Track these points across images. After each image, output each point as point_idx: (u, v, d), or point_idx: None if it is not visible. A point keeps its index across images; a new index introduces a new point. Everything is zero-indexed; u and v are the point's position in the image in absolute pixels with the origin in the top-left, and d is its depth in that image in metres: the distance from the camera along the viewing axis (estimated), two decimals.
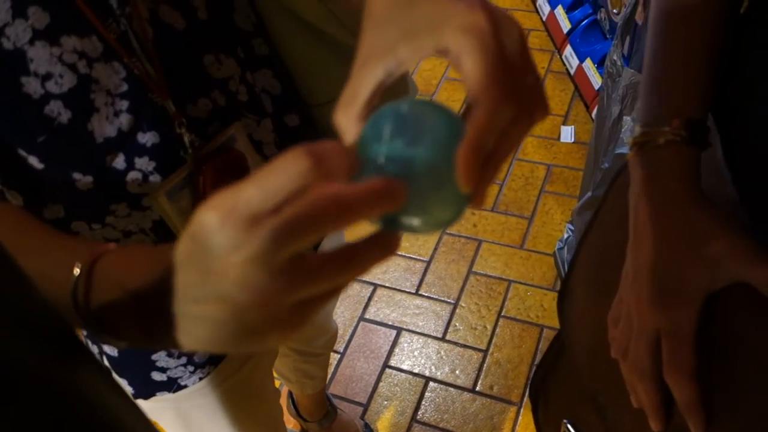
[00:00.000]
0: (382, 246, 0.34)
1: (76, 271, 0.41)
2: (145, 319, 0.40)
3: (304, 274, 0.32)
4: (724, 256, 0.53)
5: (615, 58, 1.60)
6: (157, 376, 0.73)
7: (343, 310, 1.82)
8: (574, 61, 2.25)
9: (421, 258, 1.93)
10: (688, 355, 0.54)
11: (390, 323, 1.80)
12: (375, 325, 1.80)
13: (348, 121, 0.37)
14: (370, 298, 1.85)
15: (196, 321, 0.36)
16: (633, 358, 0.57)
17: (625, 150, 1.42)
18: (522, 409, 1.60)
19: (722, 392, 0.55)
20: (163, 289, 0.37)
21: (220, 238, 0.32)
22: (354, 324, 1.80)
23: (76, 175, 0.55)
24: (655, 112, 0.60)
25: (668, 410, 0.60)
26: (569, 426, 0.77)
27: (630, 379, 0.59)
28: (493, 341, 1.73)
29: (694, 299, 0.54)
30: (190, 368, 0.74)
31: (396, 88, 0.44)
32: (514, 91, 0.35)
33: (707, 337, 0.55)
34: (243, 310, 0.33)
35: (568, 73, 2.33)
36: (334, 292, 0.36)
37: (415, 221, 0.35)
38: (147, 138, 0.56)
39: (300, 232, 0.31)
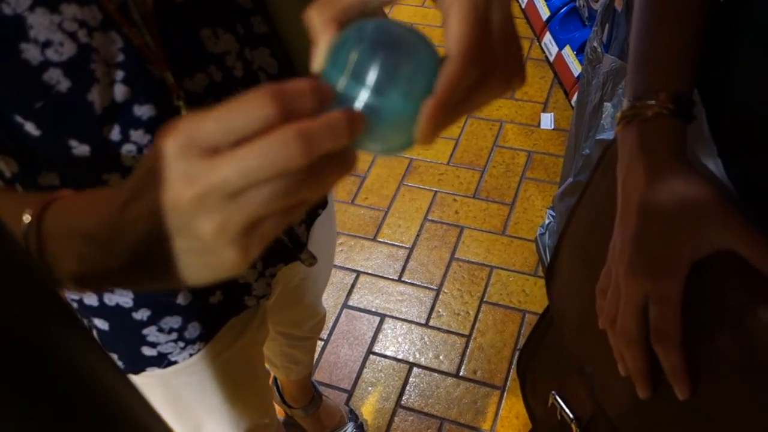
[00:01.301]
0: (337, 163, 0.35)
1: (26, 218, 0.41)
2: (100, 262, 0.40)
3: (261, 197, 0.33)
4: (710, 225, 0.54)
5: (595, 44, 1.62)
6: (147, 351, 0.73)
7: (327, 297, 1.82)
8: (554, 49, 2.27)
9: (404, 245, 1.93)
10: (675, 323, 0.55)
11: (373, 310, 1.80)
12: (358, 312, 1.80)
13: (321, 21, 0.37)
14: (353, 285, 1.85)
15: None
16: (621, 326, 0.59)
17: (605, 136, 1.44)
18: (505, 393, 1.62)
19: (708, 360, 0.56)
20: (118, 228, 0.37)
21: (177, 167, 0.33)
22: (337, 311, 1.80)
23: (73, 144, 0.54)
24: (643, 86, 0.61)
25: (655, 377, 0.61)
26: (557, 397, 0.78)
27: (618, 347, 0.60)
28: (476, 326, 1.75)
29: (680, 268, 0.55)
30: (181, 344, 0.73)
31: None
32: (490, 55, 0.38)
33: (694, 305, 0.56)
34: (197, 237, 0.34)
35: (548, 60, 2.34)
36: (294, 210, 0.36)
37: (369, 146, 0.37)
38: (143, 111, 0.56)
39: (257, 169, 0.32)
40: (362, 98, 0.36)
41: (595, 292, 0.65)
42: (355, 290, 1.85)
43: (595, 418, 0.73)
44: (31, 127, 0.53)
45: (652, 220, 0.57)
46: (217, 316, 0.76)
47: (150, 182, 0.35)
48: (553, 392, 0.79)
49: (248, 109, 0.32)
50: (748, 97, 0.57)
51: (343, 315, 1.80)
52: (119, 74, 0.54)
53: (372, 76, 0.36)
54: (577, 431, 0.76)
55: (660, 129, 0.58)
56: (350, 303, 1.82)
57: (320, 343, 1.74)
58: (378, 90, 0.36)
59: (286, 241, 0.76)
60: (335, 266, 1.88)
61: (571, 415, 0.76)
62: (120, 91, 0.54)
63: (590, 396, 0.72)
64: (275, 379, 1.53)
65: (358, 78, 0.36)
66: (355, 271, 1.89)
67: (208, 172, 0.33)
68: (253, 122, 0.32)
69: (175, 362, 0.75)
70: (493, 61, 0.38)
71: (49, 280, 0.32)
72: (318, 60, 0.37)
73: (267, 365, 1.35)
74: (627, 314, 0.58)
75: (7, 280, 0.27)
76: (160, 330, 0.71)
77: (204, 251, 0.35)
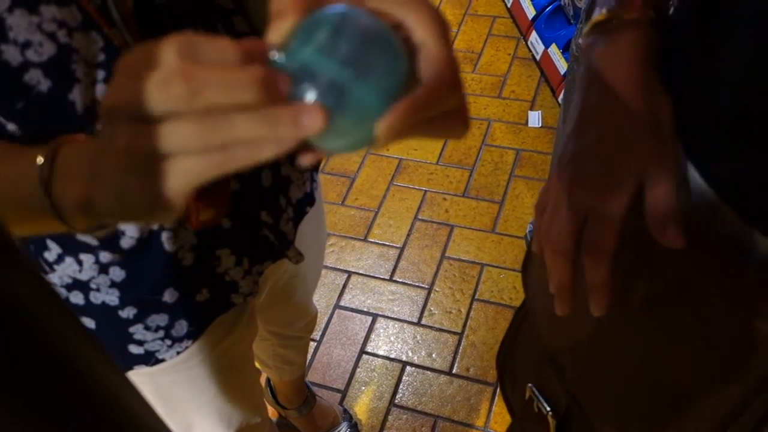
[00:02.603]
0: (257, 125, 0.34)
1: (39, 159, 0.43)
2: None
3: (174, 130, 0.34)
4: (655, 155, 0.53)
5: (580, 41, 1.63)
6: (134, 349, 0.73)
7: (319, 298, 1.82)
8: (540, 47, 2.28)
9: (395, 244, 1.94)
10: (611, 239, 0.53)
11: (365, 310, 1.81)
12: (350, 312, 1.80)
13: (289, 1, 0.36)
14: (344, 286, 1.86)
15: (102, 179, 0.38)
16: (555, 239, 0.56)
17: None
18: (498, 390, 1.62)
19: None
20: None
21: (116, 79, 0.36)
22: (329, 312, 1.81)
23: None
24: None
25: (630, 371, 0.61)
26: (534, 389, 0.78)
27: (551, 263, 0.57)
28: (468, 324, 1.75)
29: (629, 185, 0.53)
30: (168, 342, 0.74)
31: None
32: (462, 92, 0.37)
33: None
34: (114, 150, 0.35)
35: (534, 58, 2.36)
36: (221, 160, 0.35)
37: (323, 139, 0.35)
38: None
39: (160, 99, 0.34)
40: (330, 77, 0.34)
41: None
42: (346, 291, 1.85)
43: (570, 411, 0.73)
44: (13, 128, 0.53)
45: (611, 133, 0.54)
46: (204, 313, 0.76)
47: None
48: (530, 385, 0.79)
49: (161, 86, 0.34)
50: (727, 89, 0.55)
51: (335, 315, 1.80)
52: (101, 74, 0.54)
53: (345, 58, 0.34)
54: (554, 423, 0.75)
55: (636, 37, 0.56)
56: (342, 303, 1.82)
57: (313, 344, 1.74)
58: (351, 75, 0.34)
59: (273, 239, 0.77)
60: (327, 267, 1.89)
61: (547, 408, 0.75)
62: (102, 91, 0.55)
63: (564, 388, 0.72)
64: (268, 380, 1.54)
65: (328, 55, 0.34)
66: (346, 271, 1.89)
67: (134, 86, 0.34)
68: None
69: (162, 360, 0.75)
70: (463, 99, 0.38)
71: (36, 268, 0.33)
72: (278, 33, 0.35)
73: (260, 366, 1.36)
74: (565, 227, 0.55)
75: (2, 277, 0.28)
76: (147, 328, 0.71)
77: (125, 167, 0.36)
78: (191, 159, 0.34)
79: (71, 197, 0.42)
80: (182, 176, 0.35)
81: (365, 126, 0.35)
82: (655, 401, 0.61)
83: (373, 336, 1.75)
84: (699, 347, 0.56)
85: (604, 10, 0.58)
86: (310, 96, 0.34)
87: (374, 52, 0.35)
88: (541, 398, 0.76)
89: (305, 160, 0.36)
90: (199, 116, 0.33)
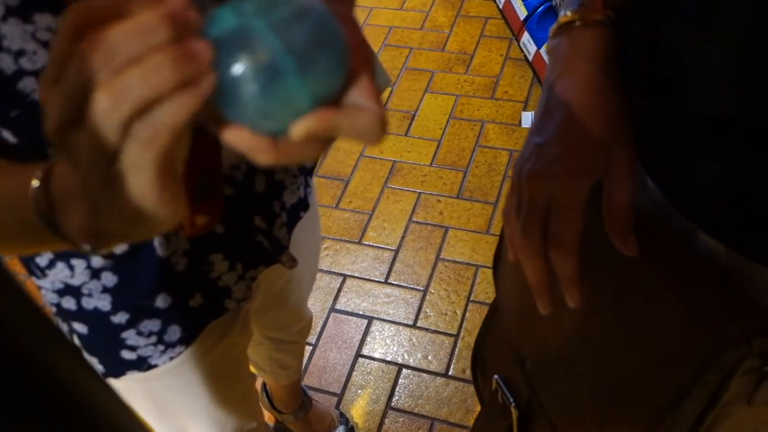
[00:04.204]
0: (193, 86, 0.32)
1: (35, 182, 0.41)
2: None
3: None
4: (618, 148, 0.55)
5: None
6: (127, 354, 0.73)
7: (314, 301, 1.82)
8: (532, 48, 2.29)
9: (389, 247, 1.94)
10: (573, 230, 0.55)
11: (361, 313, 1.80)
12: (346, 316, 1.80)
13: None
14: (339, 289, 1.86)
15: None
16: (522, 236, 0.58)
17: None
18: None
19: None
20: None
21: None
22: (325, 315, 1.80)
23: (51, 152, 0.55)
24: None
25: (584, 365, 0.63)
26: (500, 381, 0.80)
27: (524, 263, 0.59)
28: (464, 326, 1.75)
29: (587, 178, 0.55)
30: (161, 347, 0.73)
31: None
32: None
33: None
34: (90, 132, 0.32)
35: (527, 59, 2.36)
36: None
37: (231, 113, 0.34)
38: None
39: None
40: (270, 58, 0.32)
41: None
42: (341, 294, 1.85)
43: (531, 403, 0.76)
44: (8, 134, 0.53)
45: (572, 126, 0.56)
46: (197, 319, 0.76)
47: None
48: (496, 376, 0.81)
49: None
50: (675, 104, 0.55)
51: (330, 319, 1.80)
52: None
53: (294, 46, 0.32)
54: (516, 414, 0.78)
55: (598, 36, 0.58)
56: (337, 307, 1.82)
57: (308, 348, 1.74)
58: (294, 65, 0.32)
59: (266, 244, 0.76)
60: (321, 270, 1.88)
61: (510, 399, 0.78)
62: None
63: (526, 382, 0.74)
64: (264, 384, 1.53)
65: (277, 33, 0.32)
66: (341, 274, 1.89)
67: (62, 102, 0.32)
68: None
69: (155, 366, 0.75)
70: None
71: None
72: None
73: (256, 370, 1.35)
74: (530, 221, 0.57)
75: None
76: (139, 333, 0.71)
77: (98, 184, 0.34)
78: (133, 145, 0.32)
79: (77, 227, 0.40)
80: (137, 165, 0.33)
81: (280, 116, 0.33)
82: (604, 395, 0.63)
83: (368, 339, 1.75)
84: (646, 340, 0.58)
85: (568, 12, 0.60)
86: (239, 68, 0.32)
87: (323, 52, 0.33)
88: (505, 389, 0.79)
89: (229, 137, 0.34)
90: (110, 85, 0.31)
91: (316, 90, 0.33)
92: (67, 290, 0.67)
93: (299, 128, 0.34)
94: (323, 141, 0.36)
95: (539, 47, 2.23)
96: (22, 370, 0.28)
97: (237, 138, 0.34)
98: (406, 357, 1.71)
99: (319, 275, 1.87)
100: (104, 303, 0.68)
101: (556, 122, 0.57)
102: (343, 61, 0.35)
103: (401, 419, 1.61)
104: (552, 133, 0.57)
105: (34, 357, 0.29)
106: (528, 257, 0.58)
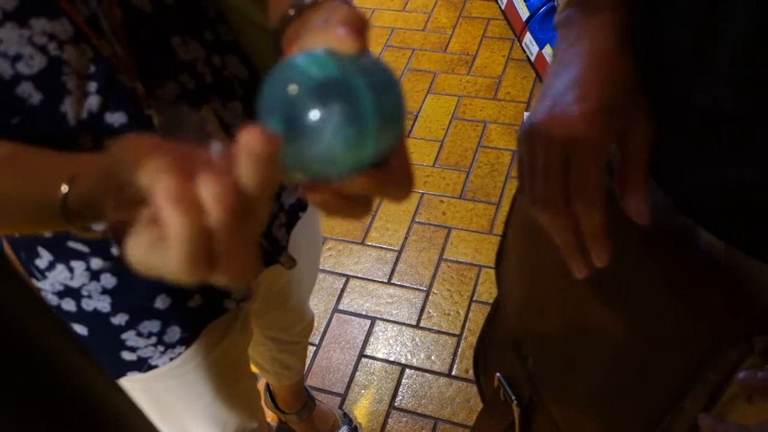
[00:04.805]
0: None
1: (64, 188, 0.43)
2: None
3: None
4: (633, 119, 0.53)
5: None
6: (127, 355, 0.73)
7: (317, 302, 1.82)
8: (534, 48, 2.28)
9: (392, 247, 1.94)
10: (597, 179, 0.51)
11: (364, 313, 1.80)
12: (349, 316, 1.80)
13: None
14: (343, 290, 1.86)
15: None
16: (543, 196, 0.53)
17: None
18: None
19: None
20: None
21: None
22: (328, 316, 1.80)
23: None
24: None
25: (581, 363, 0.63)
26: (502, 379, 0.80)
27: (549, 226, 0.55)
28: (467, 326, 1.75)
29: (609, 118, 0.51)
30: (161, 348, 0.74)
31: None
32: None
33: None
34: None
35: (529, 60, 2.36)
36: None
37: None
38: (115, 118, 0.56)
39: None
40: (364, 111, 0.35)
41: (534, 275, 0.66)
42: (345, 294, 1.85)
43: (533, 401, 0.76)
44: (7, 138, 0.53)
45: (594, 72, 0.52)
46: (197, 319, 0.76)
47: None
48: (498, 374, 0.81)
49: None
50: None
51: (333, 319, 1.80)
52: (92, 85, 0.54)
53: (384, 110, 0.36)
54: (518, 411, 0.78)
55: (613, 16, 0.55)
56: (340, 307, 1.82)
57: (312, 348, 1.74)
58: (375, 127, 0.36)
59: (265, 245, 0.76)
60: (325, 271, 1.89)
61: (512, 396, 0.78)
62: (94, 102, 0.55)
63: (527, 379, 0.74)
64: (267, 385, 1.53)
65: (375, 93, 0.36)
66: (344, 275, 1.89)
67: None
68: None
69: (155, 366, 0.75)
70: None
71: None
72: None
73: (259, 371, 1.35)
74: (549, 174, 0.52)
75: None
76: (139, 334, 0.71)
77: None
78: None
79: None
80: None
81: (342, 165, 0.36)
82: (606, 392, 0.63)
83: (371, 339, 1.75)
84: (646, 337, 0.58)
85: None
86: (332, 113, 0.35)
87: (397, 120, 0.37)
88: (507, 387, 0.79)
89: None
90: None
91: (380, 150, 0.37)
92: (67, 292, 0.67)
93: (356, 183, 0.37)
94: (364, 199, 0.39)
95: (541, 48, 2.23)
96: (35, 370, 0.28)
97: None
98: (409, 357, 1.70)
99: (322, 276, 1.87)
100: (104, 304, 0.68)
101: (572, 73, 0.52)
102: (403, 130, 0.39)
103: (404, 419, 1.60)
104: (568, 81, 0.52)
105: (45, 357, 0.29)
106: (551, 218, 0.53)
